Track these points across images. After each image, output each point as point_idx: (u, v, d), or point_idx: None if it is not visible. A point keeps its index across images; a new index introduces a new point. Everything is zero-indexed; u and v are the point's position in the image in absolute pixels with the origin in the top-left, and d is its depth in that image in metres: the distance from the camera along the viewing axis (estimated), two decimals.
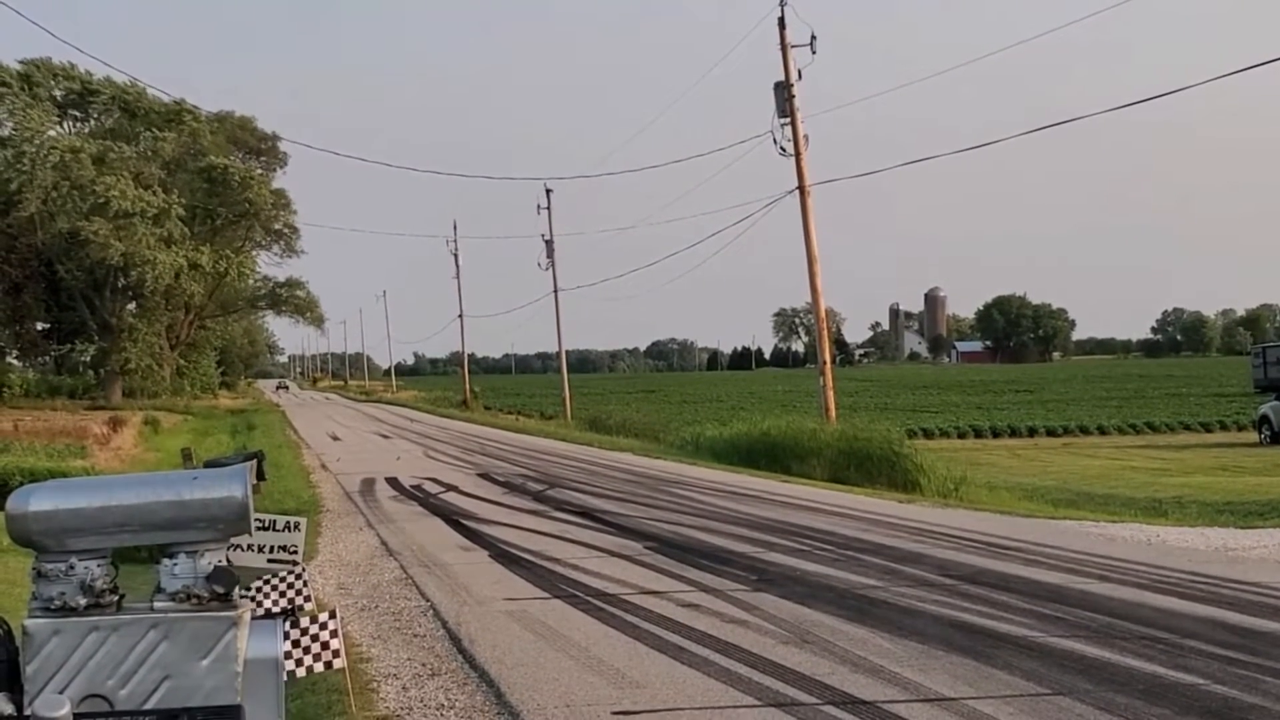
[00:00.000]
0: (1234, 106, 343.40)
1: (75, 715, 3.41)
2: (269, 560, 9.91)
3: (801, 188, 36.05)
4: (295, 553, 10.11)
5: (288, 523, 10.19)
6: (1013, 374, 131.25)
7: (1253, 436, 47.01)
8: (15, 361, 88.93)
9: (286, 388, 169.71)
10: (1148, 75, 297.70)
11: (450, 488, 26.81)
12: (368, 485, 27.85)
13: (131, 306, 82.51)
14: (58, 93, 79.18)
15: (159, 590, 3.70)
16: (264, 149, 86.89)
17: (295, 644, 7.30)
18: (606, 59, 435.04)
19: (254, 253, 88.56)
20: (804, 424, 34.11)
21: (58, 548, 3.67)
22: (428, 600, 13.07)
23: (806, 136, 36.01)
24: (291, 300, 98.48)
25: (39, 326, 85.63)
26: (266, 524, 9.87)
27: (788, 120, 35.89)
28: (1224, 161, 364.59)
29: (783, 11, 35.67)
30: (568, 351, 74.36)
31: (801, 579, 13.58)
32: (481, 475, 30.13)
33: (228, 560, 3.79)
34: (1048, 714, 7.94)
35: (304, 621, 7.46)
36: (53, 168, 70.39)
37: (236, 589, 3.72)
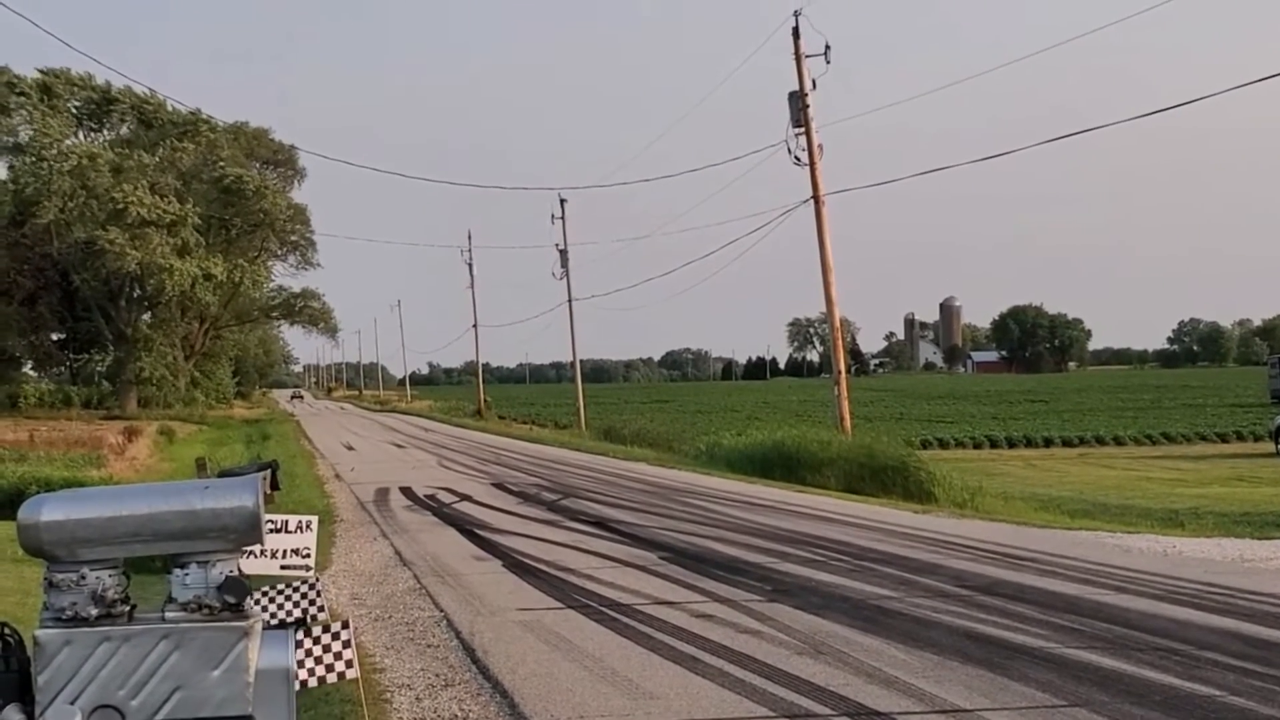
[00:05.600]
0: (1253, 115, 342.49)
1: None
2: (282, 567, 9.92)
3: (816, 197, 36.02)
4: (308, 556, 10.11)
5: (299, 523, 10.21)
6: (1028, 384, 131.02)
7: (1269, 447, 46.83)
8: (31, 371, 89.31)
9: (301, 397, 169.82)
10: (1165, 82, 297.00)
11: (464, 497, 26.82)
12: (382, 495, 27.87)
13: (147, 317, 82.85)
14: (74, 104, 79.64)
15: (170, 600, 3.69)
16: (280, 160, 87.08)
17: (308, 654, 7.29)
18: (621, 69, 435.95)
19: (269, 262, 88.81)
20: (819, 434, 34.04)
21: (69, 557, 3.66)
22: (441, 610, 13.05)
23: (821, 146, 36.02)
24: (306, 310, 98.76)
25: (54, 336, 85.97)
26: (278, 526, 9.87)
27: (802, 130, 35.88)
28: (1242, 171, 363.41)
29: (797, 22, 35.73)
30: (582, 361, 74.28)
31: (816, 589, 13.54)
32: (496, 485, 30.13)
33: (239, 570, 3.78)
34: None
35: (317, 631, 7.45)
36: (70, 174, 70.72)
37: (248, 599, 3.71)
